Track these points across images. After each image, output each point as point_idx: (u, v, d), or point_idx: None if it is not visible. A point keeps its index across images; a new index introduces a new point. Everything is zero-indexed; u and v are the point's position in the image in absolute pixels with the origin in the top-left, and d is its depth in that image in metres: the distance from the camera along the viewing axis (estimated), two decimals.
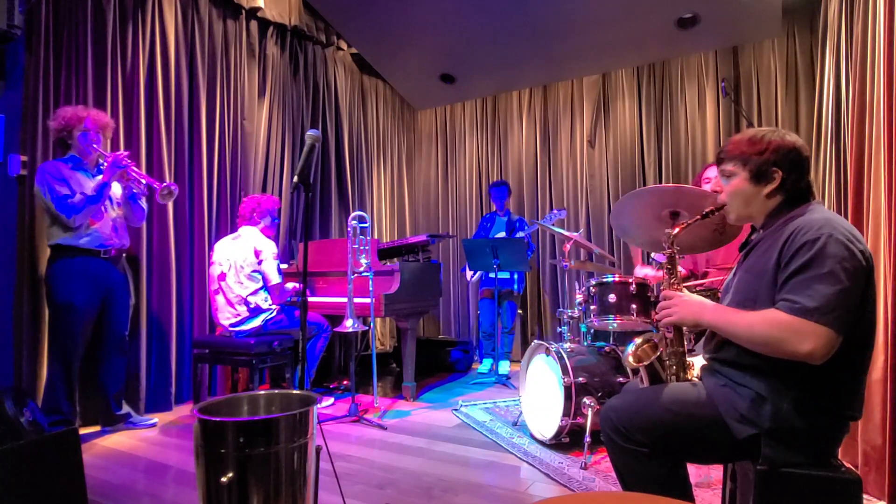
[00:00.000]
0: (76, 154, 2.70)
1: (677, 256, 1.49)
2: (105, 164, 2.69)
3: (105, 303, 2.75)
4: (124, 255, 2.94)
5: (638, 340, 1.51)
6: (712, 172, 2.41)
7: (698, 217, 1.45)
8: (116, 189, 2.82)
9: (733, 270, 1.43)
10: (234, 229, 3.44)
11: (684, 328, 1.41)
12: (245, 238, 3.25)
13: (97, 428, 2.85)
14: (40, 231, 2.71)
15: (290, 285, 3.43)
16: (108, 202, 2.76)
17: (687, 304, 1.32)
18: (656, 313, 1.40)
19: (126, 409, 2.90)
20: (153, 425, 2.92)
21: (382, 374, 4.56)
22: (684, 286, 1.49)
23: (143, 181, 2.78)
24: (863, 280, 1.12)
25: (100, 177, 2.68)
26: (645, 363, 1.41)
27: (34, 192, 2.60)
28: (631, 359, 1.46)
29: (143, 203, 2.92)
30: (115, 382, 2.83)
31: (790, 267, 1.15)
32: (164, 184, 2.77)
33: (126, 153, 2.74)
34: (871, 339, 1.19)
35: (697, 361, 1.46)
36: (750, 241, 1.37)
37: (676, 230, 1.48)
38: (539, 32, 4.36)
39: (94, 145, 2.69)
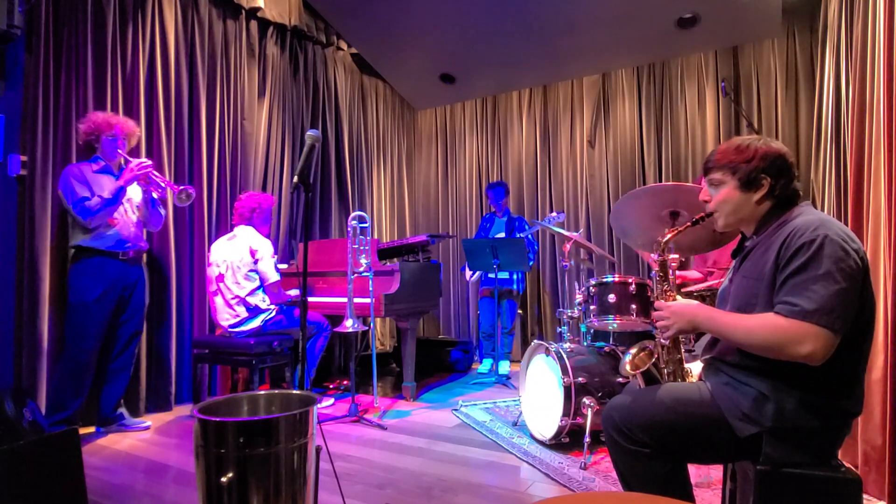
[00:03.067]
0: (101, 157, 2.80)
1: (669, 263, 1.50)
2: (126, 167, 2.77)
3: (120, 304, 2.81)
4: (143, 256, 3.01)
5: (633, 350, 1.51)
6: None
7: (688, 224, 1.46)
8: (136, 193, 2.89)
9: (728, 277, 1.44)
10: (232, 228, 3.43)
11: (681, 336, 1.42)
12: (241, 238, 3.23)
13: (93, 429, 2.84)
14: (40, 231, 2.71)
15: (291, 292, 3.43)
16: (127, 204, 2.83)
17: (680, 313, 1.32)
18: (654, 325, 1.41)
19: (120, 410, 2.90)
20: (146, 428, 2.90)
21: (382, 374, 4.55)
22: (687, 290, 1.49)
23: (163, 184, 2.87)
24: (859, 279, 1.13)
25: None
26: (642, 370, 1.41)
27: (58, 195, 2.68)
28: (628, 367, 1.47)
29: (162, 210, 2.99)
30: (117, 383, 2.85)
31: (788, 269, 1.16)
32: (182, 187, 2.83)
33: (149, 162, 2.83)
34: (870, 335, 1.20)
35: (695, 367, 1.46)
36: (744, 248, 1.37)
37: (667, 237, 1.48)
38: (539, 32, 4.36)
39: (119, 150, 2.80)
